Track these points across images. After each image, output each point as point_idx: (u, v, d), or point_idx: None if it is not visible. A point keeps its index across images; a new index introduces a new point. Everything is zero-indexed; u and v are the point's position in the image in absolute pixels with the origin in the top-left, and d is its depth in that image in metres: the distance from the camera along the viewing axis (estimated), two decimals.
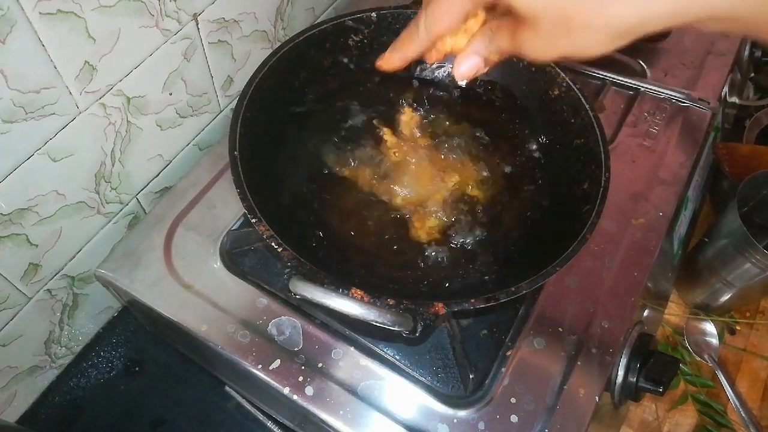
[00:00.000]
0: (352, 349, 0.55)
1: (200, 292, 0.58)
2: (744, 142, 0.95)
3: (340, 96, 0.67)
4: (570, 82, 0.61)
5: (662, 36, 0.84)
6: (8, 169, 0.51)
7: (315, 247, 0.57)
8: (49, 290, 0.63)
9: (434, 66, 0.70)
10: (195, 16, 0.62)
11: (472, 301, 0.46)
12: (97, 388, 0.70)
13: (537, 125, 0.66)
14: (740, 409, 0.78)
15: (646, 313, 0.67)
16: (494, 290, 0.47)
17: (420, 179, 0.61)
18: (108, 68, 0.55)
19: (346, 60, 0.67)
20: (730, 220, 0.78)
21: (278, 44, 0.65)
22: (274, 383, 0.53)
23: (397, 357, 0.57)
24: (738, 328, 0.90)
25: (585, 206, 0.54)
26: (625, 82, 0.78)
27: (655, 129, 0.74)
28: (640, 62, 0.81)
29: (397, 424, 0.52)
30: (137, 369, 0.72)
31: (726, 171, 0.87)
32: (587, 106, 0.59)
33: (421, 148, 0.64)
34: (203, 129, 0.74)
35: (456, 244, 0.58)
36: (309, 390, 0.53)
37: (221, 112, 0.75)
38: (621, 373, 0.56)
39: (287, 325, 0.57)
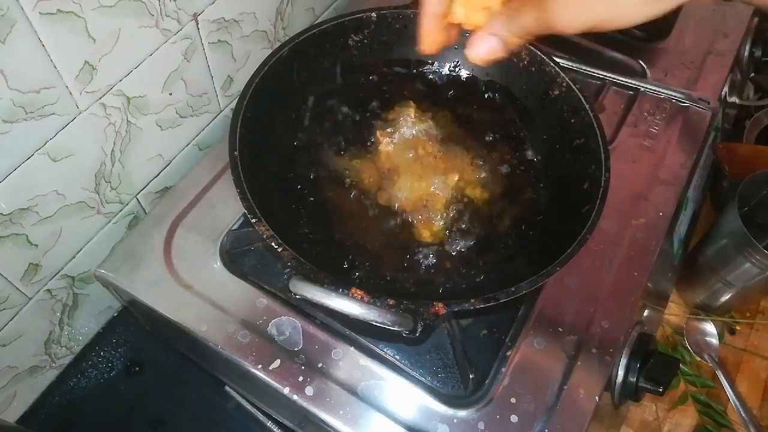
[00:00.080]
0: (352, 349, 0.55)
1: (200, 292, 0.58)
2: (744, 142, 0.94)
3: (339, 96, 0.67)
4: (570, 82, 0.61)
5: (662, 36, 0.84)
6: (8, 169, 0.51)
7: (315, 247, 0.57)
8: (49, 290, 0.63)
9: (435, 66, 0.70)
10: (195, 16, 0.62)
11: (472, 301, 0.46)
12: (97, 388, 0.70)
13: (537, 125, 0.66)
14: (740, 409, 0.78)
15: (646, 313, 0.67)
16: (494, 290, 0.47)
17: (420, 179, 0.61)
18: (108, 68, 0.55)
19: (346, 60, 0.67)
20: (730, 220, 0.78)
21: (278, 44, 0.65)
22: (274, 383, 0.53)
23: (397, 357, 0.57)
24: (738, 328, 0.90)
25: (585, 206, 0.54)
26: (625, 82, 0.78)
27: (655, 129, 0.73)
28: (640, 62, 0.81)
29: (397, 424, 0.52)
30: (137, 369, 0.72)
31: (726, 171, 0.87)
32: (587, 106, 0.59)
33: (421, 148, 0.64)
34: (203, 129, 0.74)
35: (456, 244, 0.58)
36: (309, 390, 0.53)
37: (221, 112, 0.75)
38: (621, 373, 0.56)
39: (287, 325, 0.57)
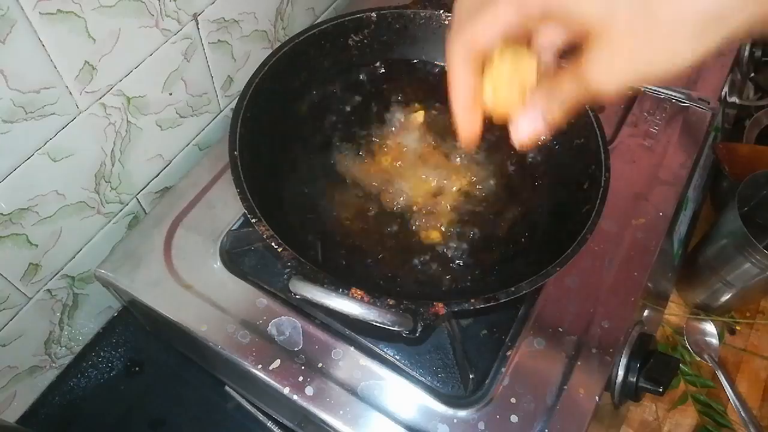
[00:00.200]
0: (352, 349, 0.55)
1: (200, 292, 0.58)
2: (744, 142, 0.95)
3: (339, 96, 0.67)
4: None
5: None
6: (8, 169, 0.51)
7: (315, 247, 0.57)
8: (49, 290, 0.63)
9: (437, 67, 0.70)
10: (195, 16, 0.62)
11: (472, 301, 0.46)
12: (97, 388, 0.70)
13: None
14: (740, 409, 0.78)
15: (646, 313, 0.67)
16: (494, 290, 0.47)
17: (421, 179, 0.61)
18: (108, 68, 0.55)
19: (346, 60, 0.67)
20: (730, 220, 0.78)
21: (278, 44, 0.65)
22: (274, 383, 0.53)
23: (397, 357, 0.57)
24: (738, 328, 0.90)
25: (585, 206, 0.54)
26: None
27: (655, 129, 0.74)
28: None
29: (397, 424, 0.52)
30: (137, 369, 0.72)
31: (726, 171, 0.87)
32: (587, 106, 0.59)
33: (422, 148, 0.64)
34: (203, 129, 0.74)
35: (456, 245, 0.58)
36: (309, 390, 0.53)
37: (221, 112, 0.75)
38: (621, 373, 0.56)
39: (287, 325, 0.57)
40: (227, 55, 0.70)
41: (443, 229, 0.59)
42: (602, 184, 0.54)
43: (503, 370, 0.55)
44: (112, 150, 0.61)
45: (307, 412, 0.53)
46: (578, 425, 0.52)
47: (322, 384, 0.53)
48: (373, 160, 0.63)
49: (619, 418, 0.77)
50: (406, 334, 0.47)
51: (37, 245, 0.58)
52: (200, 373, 0.70)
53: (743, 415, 0.78)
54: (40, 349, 0.66)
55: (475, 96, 0.34)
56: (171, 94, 0.65)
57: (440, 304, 0.46)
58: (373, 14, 0.65)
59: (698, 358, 0.86)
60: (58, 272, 0.63)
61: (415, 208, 0.60)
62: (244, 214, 0.63)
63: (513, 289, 0.47)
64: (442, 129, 0.66)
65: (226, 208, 0.64)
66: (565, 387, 0.54)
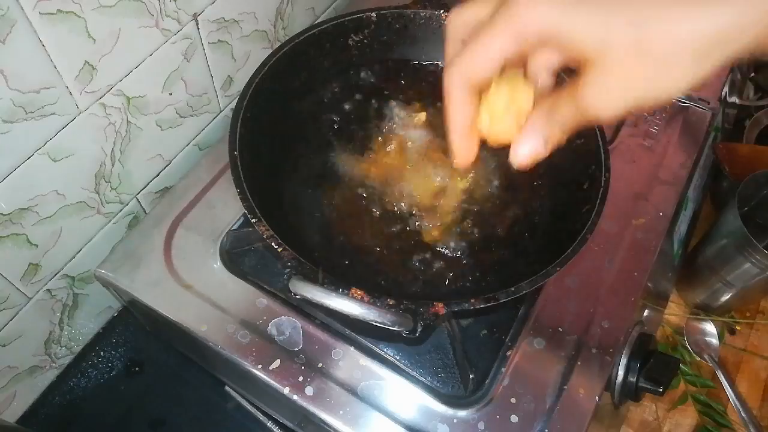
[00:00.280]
0: (352, 349, 0.55)
1: (200, 292, 0.58)
2: (744, 142, 0.95)
3: (340, 96, 0.67)
4: None
5: None
6: (8, 169, 0.51)
7: (315, 247, 0.57)
8: (49, 290, 0.63)
9: (438, 66, 0.70)
10: (195, 16, 0.62)
11: (472, 301, 0.46)
12: (97, 388, 0.70)
13: None
14: (740, 409, 0.78)
15: (646, 313, 0.67)
16: (494, 290, 0.47)
17: (421, 180, 0.61)
18: (108, 68, 0.55)
19: (346, 60, 0.67)
20: (730, 220, 0.78)
21: (278, 44, 0.65)
22: (274, 383, 0.53)
23: (397, 357, 0.57)
24: (738, 328, 0.90)
25: (585, 206, 0.54)
26: None
27: (655, 129, 0.73)
28: None
29: (397, 424, 0.52)
30: (137, 369, 0.72)
31: (726, 171, 0.87)
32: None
33: (422, 148, 0.64)
34: (203, 129, 0.74)
35: (456, 245, 0.58)
36: (309, 390, 0.53)
37: (221, 112, 0.75)
38: (621, 373, 0.56)
39: (287, 325, 0.57)
40: (227, 55, 0.70)
41: (443, 229, 0.59)
42: (602, 184, 0.54)
43: (503, 370, 0.55)
44: (112, 150, 0.61)
45: (307, 412, 0.53)
46: (578, 425, 0.52)
47: (322, 384, 0.53)
48: (373, 159, 0.63)
49: (619, 418, 0.77)
50: (406, 334, 0.47)
51: (37, 245, 0.58)
52: (200, 373, 0.70)
53: (743, 415, 0.78)
54: (40, 349, 0.66)
55: (471, 124, 0.35)
56: (171, 94, 0.65)
57: (440, 304, 0.46)
58: (373, 14, 0.65)
59: (698, 358, 0.86)
60: (58, 272, 0.63)
61: (415, 207, 0.60)
62: (244, 214, 0.63)
63: (513, 289, 0.47)
64: (442, 129, 0.66)
65: (226, 208, 0.64)
66: (565, 387, 0.54)
